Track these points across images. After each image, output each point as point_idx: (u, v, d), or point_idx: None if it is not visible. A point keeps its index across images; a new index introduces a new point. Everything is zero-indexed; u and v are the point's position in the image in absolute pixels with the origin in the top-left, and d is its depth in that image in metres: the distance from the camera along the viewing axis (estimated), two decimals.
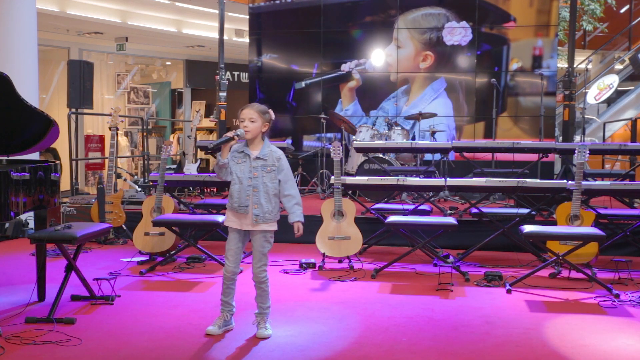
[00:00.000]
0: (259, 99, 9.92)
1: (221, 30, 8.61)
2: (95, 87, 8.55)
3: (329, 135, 9.28)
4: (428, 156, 8.66)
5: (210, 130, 14.02)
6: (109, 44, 12.45)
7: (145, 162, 9.00)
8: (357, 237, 5.60)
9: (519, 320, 4.19)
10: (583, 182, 5.29)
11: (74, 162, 8.28)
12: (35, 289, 4.54)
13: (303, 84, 9.70)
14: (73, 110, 8.08)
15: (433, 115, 8.46)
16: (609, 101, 13.26)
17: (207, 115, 14.32)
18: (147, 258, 5.89)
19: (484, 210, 6.19)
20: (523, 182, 5.53)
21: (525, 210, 6.01)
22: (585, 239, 4.89)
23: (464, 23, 9.23)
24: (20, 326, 3.99)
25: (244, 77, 14.69)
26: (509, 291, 4.88)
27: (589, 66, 13.09)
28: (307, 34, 9.73)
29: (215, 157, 5.51)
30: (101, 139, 12.77)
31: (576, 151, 5.29)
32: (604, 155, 9.81)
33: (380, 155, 7.85)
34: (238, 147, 3.86)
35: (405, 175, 7.03)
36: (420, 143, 6.99)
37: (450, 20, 9.28)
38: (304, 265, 5.64)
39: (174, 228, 5.64)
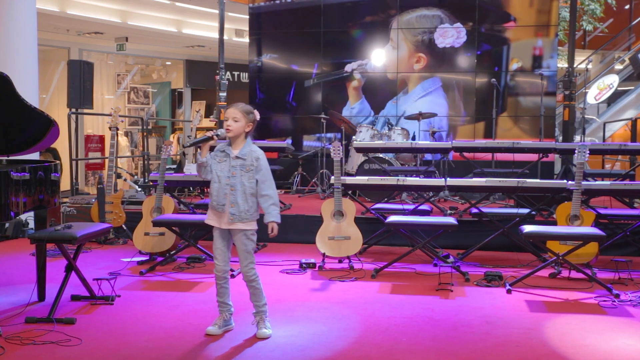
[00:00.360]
0: (259, 99, 9.93)
1: (221, 30, 8.61)
2: (95, 87, 8.55)
3: (329, 135, 9.28)
4: (428, 156, 8.67)
5: (210, 130, 14.01)
6: (109, 44, 12.45)
7: (145, 162, 9.00)
8: (357, 237, 5.60)
9: (519, 320, 4.19)
10: (583, 182, 5.29)
11: (74, 162, 8.28)
12: (35, 289, 4.54)
13: (311, 81, 9.71)
14: (73, 110, 8.08)
15: (433, 115, 8.46)
16: (609, 101, 13.27)
17: (207, 115, 14.33)
18: (147, 258, 5.89)
19: (484, 210, 6.19)
20: (523, 182, 5.53)
21: (525, 210, 6.01)
22: (585, 239, 4.89)
23: (458, 25, 9.23)
24: (20, 326, 3.99)
25: (244, 77, 14.70)
26: (509, 291, 4.88)
27: (589, 66, 13.09)
28: (307, 34, 9.74)
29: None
30: (101, 139, 12.77)
31: (576, 151, 5.29)
32: (604, 155, 9.81)
33: (380, 155, 7.85)
34: (220, 147, 3.87)
35: (405, 175, 7.03)
36: (420, 143, 7.00)
37: (444, 22, 9.28)
38: (304, 265, 5.64)
39: (174, 228, 5.64)
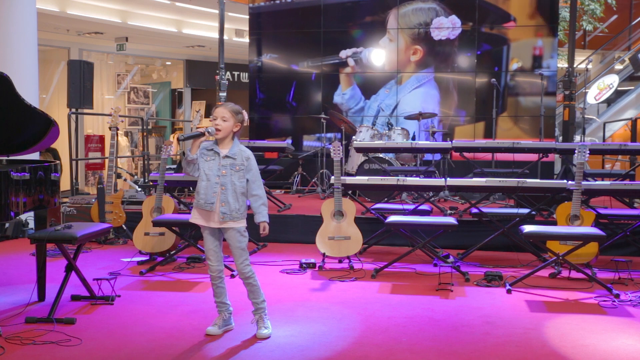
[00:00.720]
0: (259, 99, 9.93)
1: (221, 30, 8.61)
2: (95, 87, 8.55)
3: (329, 135, 9.28)
4: (428, 156, 8.67)
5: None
6: (109, 44, 12.45)
7: (145, 162, 9.00)
8: (357, 237, 5.60)
9: (519, 320, 4.19)
10: (583, 182, 5.29)
11: (74, 162, 8.28)
12: (36, 289, 4.54)
13: (305, 64, 9.74)
14: (73, 110, 8.08)
15: (433, 115, 8.47)
16: (609, 101, 13.27)
17: (207, 115, 14.27)
18: (147, 258, 5.89)
19: (484, 210, 6.19)
20: (523, 182, 5.53)
21: (525, 210, 6.01)
22: (585, 239, 4.89)
23: (452, 17, 9.25)
24: (20, 326, 3.99)
25: (244, 77, 14.70)
26: (509, 291, 4.88)
27: (589, 66, 13.07)
28: (307, 34, 9.74)
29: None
30: (101, 139, 12.77)
31: (576, 151, 5.28)
32: (604, 155, 9.80)
33: (380, 155, 7.85)
34: (208, 145, 3.86)
35: (405, 175, 7.03)
36: (421, 143, 7.00)
37: (439, 15, 9.31)
38: (304, 265, 5.64)
39: (174, 228, 5.65)
